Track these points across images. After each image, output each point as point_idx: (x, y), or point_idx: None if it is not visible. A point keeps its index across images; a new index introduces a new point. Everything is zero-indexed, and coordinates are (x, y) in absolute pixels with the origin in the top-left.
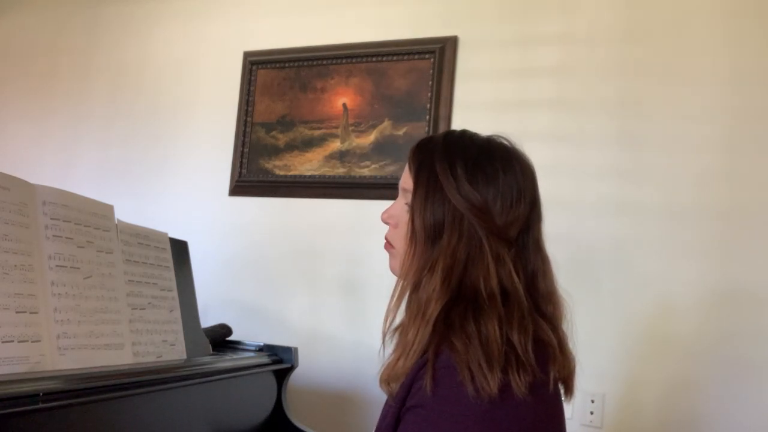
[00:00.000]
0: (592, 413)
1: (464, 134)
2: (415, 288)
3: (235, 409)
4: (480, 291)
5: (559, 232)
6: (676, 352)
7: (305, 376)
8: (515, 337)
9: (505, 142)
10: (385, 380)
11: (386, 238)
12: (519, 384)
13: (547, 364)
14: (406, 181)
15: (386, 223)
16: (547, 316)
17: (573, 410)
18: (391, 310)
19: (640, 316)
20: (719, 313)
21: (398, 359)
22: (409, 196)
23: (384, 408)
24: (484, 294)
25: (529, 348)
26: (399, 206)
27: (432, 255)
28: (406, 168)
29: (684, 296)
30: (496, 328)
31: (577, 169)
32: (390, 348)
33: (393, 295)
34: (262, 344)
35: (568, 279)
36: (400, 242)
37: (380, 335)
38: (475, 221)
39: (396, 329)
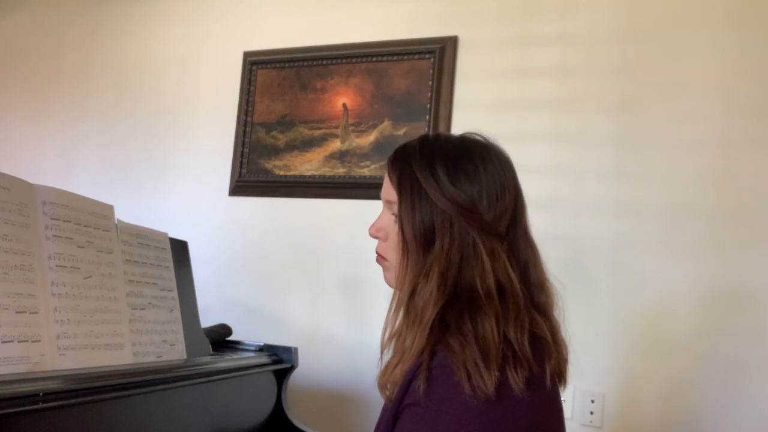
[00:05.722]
0: (592, 413)
1: (438, 136)
2: (411, 295)
3: (235, 409)
4: (476, 290)
5: (559, 232)
6: (676, 351)
7: (305, 376)
8: (512, 334)
9: (480, 138)
10: (383, 385)
11: (377, 252)
12: (516, 380)
13: (543, 359)
14: (389, 192)
15: (375, 237)
16: (540, 305)
17: (573, 410)
18: (390, 321)
19: (639, 316)
20: (718, 313)
21: (396, 364)
22: (395, 207)
23: (382, 409)
24: (480, 292)
25: (526, 343)
26: (385, 218)
27: (426, 262)
28: (386, 179)
29: (683, 296)
30: (494, 325)
31: (576, 169)
32: (388, 356)
33: (390, 307)
34: (262, 344)
35: (568, 279)
36: (393, 254)
37: (379, 340)
38: (465, 221)
39: (392, 336)
